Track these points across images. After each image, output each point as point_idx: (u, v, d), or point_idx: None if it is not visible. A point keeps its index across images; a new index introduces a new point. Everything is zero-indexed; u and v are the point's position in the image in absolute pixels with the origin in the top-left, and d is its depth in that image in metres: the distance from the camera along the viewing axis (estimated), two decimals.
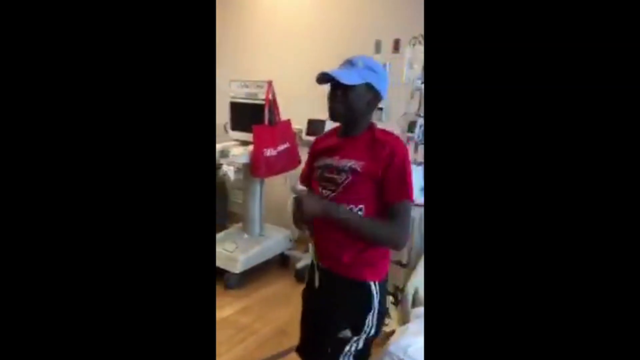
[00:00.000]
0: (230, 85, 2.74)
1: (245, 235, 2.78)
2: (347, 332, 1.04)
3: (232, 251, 2.56)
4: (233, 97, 2.73)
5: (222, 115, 3.02)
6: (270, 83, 2.50)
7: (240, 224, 2.93)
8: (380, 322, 1.08)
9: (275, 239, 2.80)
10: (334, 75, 0.99)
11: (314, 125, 2.64)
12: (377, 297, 1.05)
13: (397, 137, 1.06)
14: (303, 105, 2.63)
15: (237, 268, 2.48)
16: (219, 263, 2.50)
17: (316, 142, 1.23)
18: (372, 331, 1.06)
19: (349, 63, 1.03)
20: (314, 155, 1.18)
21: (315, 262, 1.15)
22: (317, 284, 1.14)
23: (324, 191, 1.06)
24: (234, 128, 2.78)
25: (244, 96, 2.66)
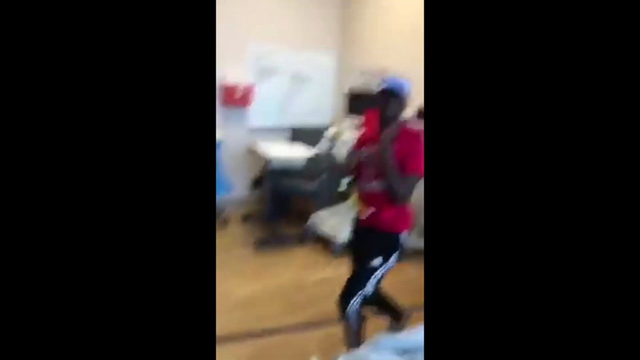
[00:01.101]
0: (353, 75, 3.01)
1: (353, 211, 3.04)
2: (377, 261, 1.51)
3: (339, 223, 2.86)
4: (352, 86, 2.99)
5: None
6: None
7: (349, 201, 3.21)
8: (398, 258, 1.58)
9: None
10: (389, 87, 1.44)
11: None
12: (403, 241, 1.55)
13: (418, 129, 1.48)
14: (415, 93, 2.71)
15: (341, 238, 2.78)
16: (328, 232, 2.83)
17: (360, 139, 1.68)
18: (393, 263, 1.56)
19: (395, 78, 1.48)
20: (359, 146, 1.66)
21: (356, 222, 1.66)
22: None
23: (368, 172, 1.52)
24: (349, 113, 3.05)
25: (361, 84, 2.89)
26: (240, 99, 3.34)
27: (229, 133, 3.30)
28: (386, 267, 1.54)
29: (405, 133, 1.46)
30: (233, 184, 3.26)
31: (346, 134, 2.82)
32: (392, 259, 1.54)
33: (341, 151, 2.83)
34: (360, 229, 1.63)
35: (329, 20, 3.87)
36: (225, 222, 3.24)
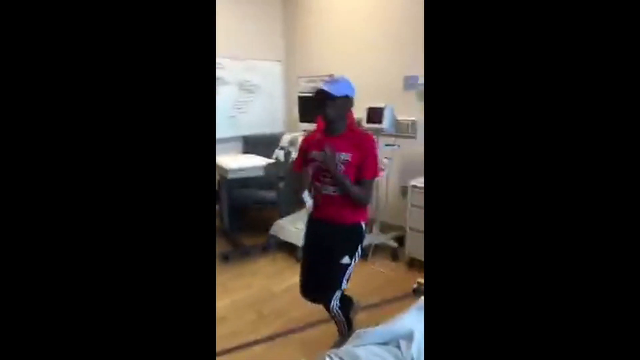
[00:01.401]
0: (299, 82, 3.06)
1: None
2: (347, 259, 1.58)
3: (302, 229, 2.89)
4: (301, 92, 3.05)
5: (294, 108, 3.38)
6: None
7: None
8: (362, 251, 1.65)
9: None
10: (325, 89, 1.45)
11: (373, 113, 2.83)
12: (364, 232, 1.64)
13: (368, 132, 1.62)
14: (363, 95, 2.83)
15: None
16: (292, 239, 2.85)
17: (306, 139, 1.70)
18: (359, 257, 1.63)
19: (334, 80, 1.53)
20: (305, 150, 1.64)
21: (313, 218, 1.69)
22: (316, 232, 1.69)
23: (324, 178, 1.54)
24: (302, 120, 3.10)
25: (310, 90, 2.96)
26: None
27: None
28: (355, 261, 1.61)
29: (358, 137, 1.52)
30: None
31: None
32: (359, 251, 1.62)
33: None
34: (319, 223, 1.65)
35: (272, 29, 3.91)
36: None
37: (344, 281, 1.61)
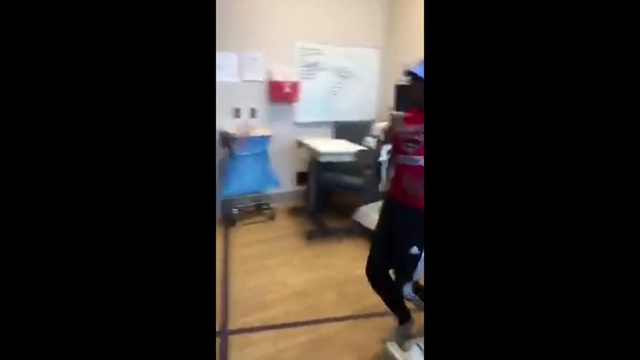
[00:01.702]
0: (398, 69, 3.02)
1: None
2: (416, 249, 1.50)
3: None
4: (399, 80, 3.00)
5: (389, 97, 3.35)
6: None
7: None
8: None
9: None
10: (415, 72, 1.46)
11: None
12: None
13: None
14: None
15: None
16: (369, 224, 2.87)
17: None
18: None
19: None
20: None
21: (389, 197, 1.65)
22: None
23: (407, 148, 1.52)
24: (397, 109, 3.06)
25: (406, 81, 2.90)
26: (286, 95, 3.42)
27: (276, 129, 3.40)
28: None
29: None
30: (280, 179, 3.36)
31: None
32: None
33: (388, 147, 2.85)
34: (393, 204, 1.60)
35: (373, 17, 3.87)
36: (273, 216, 3.35)
37: (415, 273, 1.55)
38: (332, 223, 3.20)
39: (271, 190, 3.37)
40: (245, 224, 3.21)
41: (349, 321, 2.01)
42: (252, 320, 1.96)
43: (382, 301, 1.76)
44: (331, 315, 2.05)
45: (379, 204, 3.13)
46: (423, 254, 1.50)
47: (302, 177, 3.62)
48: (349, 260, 2.67)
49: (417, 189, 1.46)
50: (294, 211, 3.53)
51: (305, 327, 1.94)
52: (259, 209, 3.40)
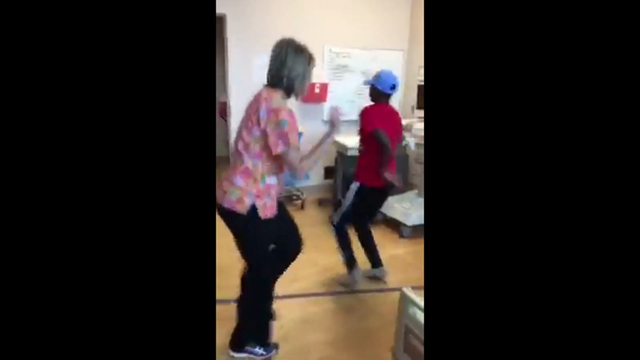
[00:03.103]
0: (420, 71, 3.24)
1: (419, 199, 3.28)
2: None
3: (408, 208, 3.12)
4: (420, 80, 3.23)
5: (412, 97, 3.58)
6: None
7: (416, 190, 3.45)
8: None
9: None
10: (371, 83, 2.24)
11: None
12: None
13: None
14: None
15: (409, 221, 3.04)
16: (397, 216, 3.11)
17: None
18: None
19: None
20: None
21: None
22: None
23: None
24: (419, 107, 3.29)
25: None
26: (317, 95, 3.72)
27: (307, 126, 3.70)
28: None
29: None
30: (309, 173, 3.65)
31: (416, 126, 3.07)
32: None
33: (411, 142, 3.08)
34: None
35: (397, 23, 4.11)
36: (303, 206, 3.65)
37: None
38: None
39: (301, 183, 3.67)
40: None
41: (372, 293, 2.27)
42: (291, 289, 2.26)
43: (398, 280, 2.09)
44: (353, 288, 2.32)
45: (403, 195, 3.36)
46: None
47: (329, 171, 3.90)
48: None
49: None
50: (322, 202, 3.81)
51: (333, 297, 2.22)
52: (290, 199, 3.70)
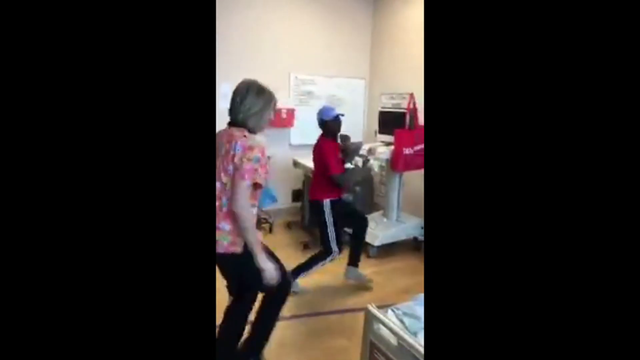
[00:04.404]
0: (381, 98, 3.44)
1: (385, 219, 3.41)
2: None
3: (374, 229, 3.22)
4: (382, 107, 3.41)
5: (374, 122, 3.76)
6: (412, 95, 3.08)
7: (382, 211, 3.58)
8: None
9: (409, 224, 3.34)
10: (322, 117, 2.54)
11: None
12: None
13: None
14: None
15: (376, 242, 3.14)
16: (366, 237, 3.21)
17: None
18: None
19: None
20: None
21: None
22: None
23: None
24: (381, 132, 3.46)
25: (390, 106, 3.32)
26: (284, 121, 3.83)
27: (275, 150, 3.78)
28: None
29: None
30: (277, 196, 3.70)
31: (379, 150, 3.22)
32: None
33: (375, 165, 3.23)
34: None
35: (359, 51, 4.36)
36: (271, 229, 3.67)
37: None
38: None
39: (270, 206, 3.70)
40: None
41: (343, 314, 2.32)
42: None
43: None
44: (326, 310, 2.35)
45: (370, 216, 3.47)
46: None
47: (297, 194, 3.97)
48: (339, 267, 2.98)
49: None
50: (290, 225, 3.86)
51: (303, 319, 2.24)
52: (259, 222, 3.72)
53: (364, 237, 2.66)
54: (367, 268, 2.97)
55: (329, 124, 2.48)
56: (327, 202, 2.44)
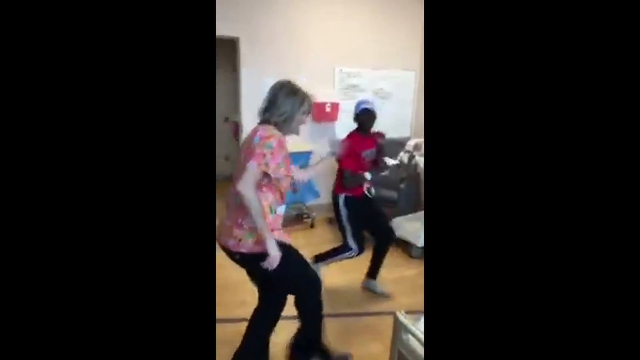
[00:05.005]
0: None
1: None
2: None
3: (418, 228, 3.06)
4: None
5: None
6: None
7: None
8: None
9: None
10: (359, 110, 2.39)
11: None
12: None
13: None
14: None
15: (420, 242, 2.97)
16: (408, 237, 3.06)
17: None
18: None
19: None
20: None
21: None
22: None
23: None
24: None
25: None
26: (328, 114, 3.76)
27: (318, 145, 3.73)
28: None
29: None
30: (320, 191, 3.66)
31: None
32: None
33: (421, 161, 3.05)
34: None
35: (409, 41, 4.14)
36: (313, 224, 3.64)
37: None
38: (368, 232, 3.41)
39: (312, 201, 3.67)
40: (287, 231, 3.52)
41: (374, 316, 2.22)
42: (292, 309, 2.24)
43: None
44: (360, 311, 2.26)
45: (414, 215, 3.31)
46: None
47: None
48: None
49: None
50: (332, 221, 3.79)
51: (338, 318, 2.18)
52: (300, 217, 3.71)
53: (386, 251, 2.46)
54: (409, 269, 2.83)
55: (359, 117, 2.37)
56: (341, 197, 2.36)
